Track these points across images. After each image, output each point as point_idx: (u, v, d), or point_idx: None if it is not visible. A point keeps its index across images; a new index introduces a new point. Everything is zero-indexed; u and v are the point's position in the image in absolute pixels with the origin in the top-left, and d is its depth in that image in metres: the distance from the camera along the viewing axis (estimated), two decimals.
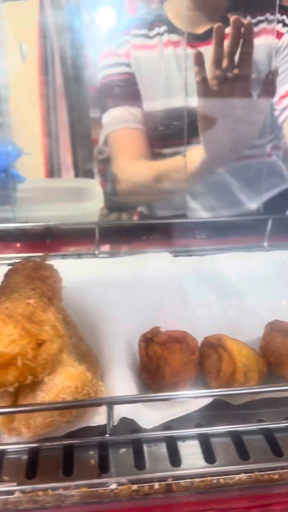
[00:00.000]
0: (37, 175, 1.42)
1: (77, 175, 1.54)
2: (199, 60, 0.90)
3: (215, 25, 0.88)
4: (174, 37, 1.10)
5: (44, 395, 0.46)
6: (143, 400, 0.49)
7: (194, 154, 1.05)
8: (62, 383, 0.47)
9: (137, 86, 1.12)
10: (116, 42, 1.13)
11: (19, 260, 0.66)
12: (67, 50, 1.39)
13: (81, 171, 1.55)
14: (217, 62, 0.89)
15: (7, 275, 0.60)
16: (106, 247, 0.99)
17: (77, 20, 1.30)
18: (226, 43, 0.88)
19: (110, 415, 0.47)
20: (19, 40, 1.26)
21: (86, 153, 1.53)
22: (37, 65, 1.44)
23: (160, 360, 0.51)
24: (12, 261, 0.87)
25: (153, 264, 0.84)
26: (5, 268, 0.65)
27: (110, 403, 0.46)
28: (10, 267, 0.63)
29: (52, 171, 1.54)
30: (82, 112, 1.51)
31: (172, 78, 1.11)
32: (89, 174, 1.52)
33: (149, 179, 1.14)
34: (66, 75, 1.45)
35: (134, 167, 1.17)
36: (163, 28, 1.10)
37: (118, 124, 1.16)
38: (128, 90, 1.14)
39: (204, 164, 1.03)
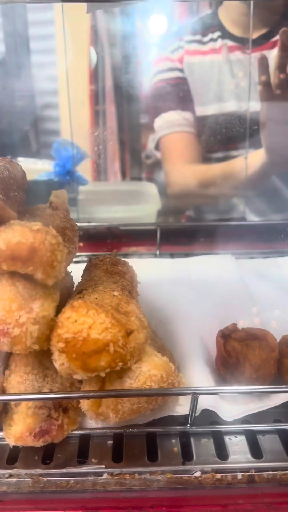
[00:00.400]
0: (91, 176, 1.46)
1: (124, 179, 1.57)
2: (263, 64, 0.91)
3: (282, 29, 0.88)
4: (227, 42, 1.11)
5: (132, 382, 0.48)
6: (228, 392, 0.50)
7: (252, 158, 1.06)
8: (148, 371, 0.49)
9: (189, 91, 1.14)
10: (170, 47, 1.16)
11: (95, 257, 0.68)
12: (118, 56, 1.43)
13: (129, 176, 1.58)
14: (282, 66, 0.90)
15: (87, 269, 0.63)
16: (164, 248, 1.02)
17: (129, 26, 1.34)
18: None
19: (193, 406, 0.49)
20: (71, 46, 1.30)
21: (134, 158, 1.55)
22: (87, 71, 1.48)
23: (240, 355, 0.53)
24: (77, 259, 0.91)
25: (217, 265, 0.86)
26: (72, 266, 0.67)
27: (197, 393, 0.48)
28: (88, 262, 0.66)
29: (99, 175, 1.58)
30: (131, 118, 1.54)
31: (225, 83, 1.13)
32: (136, 179, 1.55)
33: (200, 183, 1.15)
34: (116, 80, 1.48)
35: (185, 171, 1.19)
36: (217, 34, 1.12)
37: (171, 128, 1.18)
38: (180, 94, 1.16)
39: (264, 168, 1.04)
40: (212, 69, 1.13)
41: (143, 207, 1.20)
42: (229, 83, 1.12)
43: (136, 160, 1.54)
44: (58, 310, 0.51)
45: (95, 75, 1.48)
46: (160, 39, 1.26)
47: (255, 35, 1.08)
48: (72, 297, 0.54)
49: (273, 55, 0.98)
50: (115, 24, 1.38)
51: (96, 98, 1.54)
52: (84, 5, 0.59)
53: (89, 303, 0.49)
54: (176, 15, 1.33)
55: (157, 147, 1.29)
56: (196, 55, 1.14)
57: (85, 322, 0.47)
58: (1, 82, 1.38)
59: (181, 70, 1.14)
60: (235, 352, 0.53)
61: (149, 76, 1.23)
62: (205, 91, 1.14)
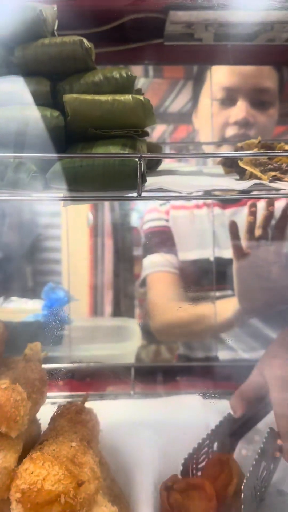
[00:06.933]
0: (82, 312, 1.58)
1: (117, 308, 1.69)
2: (233, 229, 1.04)
3: (249, 202, 1.02)
4: (209, 200, 1.28)
5: None
6: None
7: (227, 304, 1.15)
8: None
9: (173, 238, 1.30)
10: (159, 201, 1.34)
11: (64, 403, 0.75)
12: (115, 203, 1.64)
13: (122, 305, 1.70)
14: (250, 232, 1.01)
15: (54, 419, 0.69)
16: (139, 388, 1.08)
17: None
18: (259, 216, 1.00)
19: None
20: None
21: (127, 289, 1.69)
22: (87, 230, 1.68)
23: (182, 508, 0.57)
24: (55, 400, 0.97)
25: (183, 407, 0.91)
26: (49, 407, 0.74)
27: None
28: (57, 409, 0.73)
29: (96, 307, 1.70)
30: (125, 252, 1.71)
31: (205, 233, 1.28)
32: (129, 308, 1.66)
33: (182, 321, 1.25)
34: (114, 220, 1.68)
35: (168, 307, 1.29)
36: (200, 192, 1.30)
37: (155, 267, 1.31)
38: (165, 241, 1.32)
39: (237, 315, 1.11)
40: (194, 222, 1.28)
41: (124, 345, 1.29)
42: (209, 233, 1.27)
43: (129, 291, 1.67)
44: (23, 457, 0.57)
45: (94, 230, 1.69)
46: None
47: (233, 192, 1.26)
48: (35, 447, 0.60)
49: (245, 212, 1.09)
50: None
51: (95, 252, 1.72)
52: None
53: (46, 455, 0.56)
54: None
55: (142, 285, 1.41)
56: (181, 209, 1.31)
57: (40, 473, 0.53)
58: (3, 229, 1.57)
59: (167, 220, 1.31)
60: (177, 505, 0.57)
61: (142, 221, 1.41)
62: (187, 240, 1.29)
